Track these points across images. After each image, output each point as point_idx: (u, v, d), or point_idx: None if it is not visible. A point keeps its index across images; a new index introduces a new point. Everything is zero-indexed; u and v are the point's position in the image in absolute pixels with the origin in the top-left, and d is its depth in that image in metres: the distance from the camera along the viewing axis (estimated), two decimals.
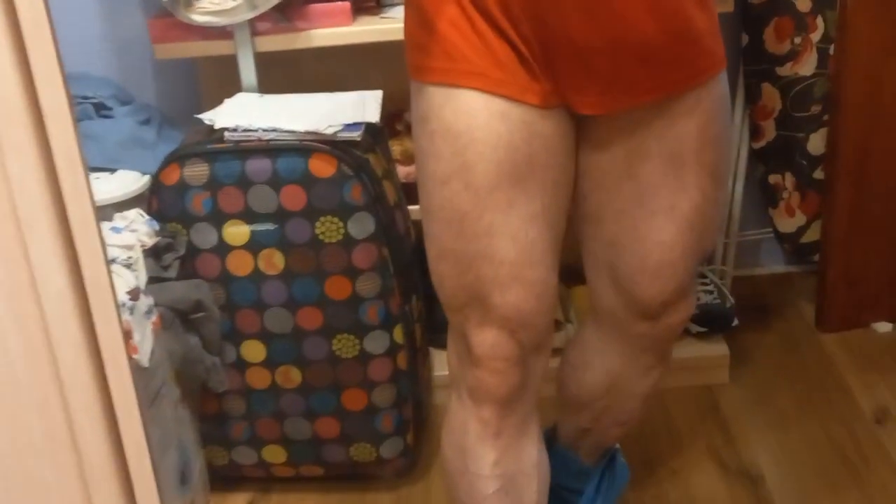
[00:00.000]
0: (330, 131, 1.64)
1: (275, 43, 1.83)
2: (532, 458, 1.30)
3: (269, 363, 1.73)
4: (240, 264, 1.68)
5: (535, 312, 1.19)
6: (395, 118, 2.02)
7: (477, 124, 1.13)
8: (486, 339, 1.19)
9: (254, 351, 1.73)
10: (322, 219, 1.64)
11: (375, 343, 1.72)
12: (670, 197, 1.21)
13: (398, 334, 1.73)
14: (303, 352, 1.72)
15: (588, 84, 1.14)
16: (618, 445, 1.58)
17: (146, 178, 1.83)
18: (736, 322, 2.10)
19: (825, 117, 2.11)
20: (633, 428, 1.52)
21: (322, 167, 1.62)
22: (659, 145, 1.19)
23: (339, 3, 1.81)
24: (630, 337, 1.34)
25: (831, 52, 2.05)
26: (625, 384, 1.41)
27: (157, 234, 1.64)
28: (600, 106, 1.16)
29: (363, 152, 1.66)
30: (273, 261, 1.67)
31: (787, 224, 2.23)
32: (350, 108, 1.70)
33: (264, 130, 1.65)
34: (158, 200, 1.67)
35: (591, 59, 1.12)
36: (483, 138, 1.13)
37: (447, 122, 1.14)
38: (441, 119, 1.14)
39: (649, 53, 1.13)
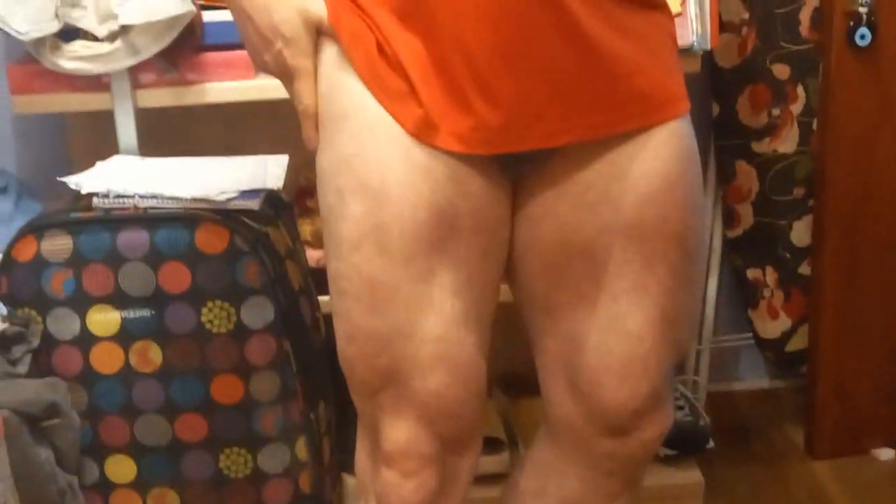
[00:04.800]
0: (222, 198, 1.64)
1: (160, 98, 1.83)
2: None
3: (140, 484, 1.71)
4: (107, 360, 1.66)
5: (461, 401, 1.19)
6: (306, 193, 2.01)
7: (394, 179, 1.14)
8: (401, 433, 1.19)
9: (121, 469, 1.70)
10: (209, 304, 1.63)
11: (272, 459, 1.70)
12: (634, 276, 1.21)
13: (301, 449, 1.71)
14: (182, 470, 1.70)
15: (483, 108, 1.13)
16: None
17: None
18: (711, 444, 2.09)
19: (810, 202, 2.14)
20: None
21: (211, 241, 1.62)
22: (613, 211, 1.20)
23: (239, 51, 1.77)
24: (593, 457, 1.32)
25: (815, 126, 2.10)
26: None
27: (5, 320, 1.62)
28: (492, 142, 1.14)
29: (262, 225, 1.67)
30: (148, 355, 1.66)
31: (770, 328, 2.25)
32: (248, 173, 1.71)
33: (141, 197, 1.65)
34: (9, 280, 1.66)
35: (490, 77, 1.12)
36: (401, 195, 1.14)
37: (358, 176, 1.15)
38: (351, 171, 1.15)
39: (561, 84, 1.13)
